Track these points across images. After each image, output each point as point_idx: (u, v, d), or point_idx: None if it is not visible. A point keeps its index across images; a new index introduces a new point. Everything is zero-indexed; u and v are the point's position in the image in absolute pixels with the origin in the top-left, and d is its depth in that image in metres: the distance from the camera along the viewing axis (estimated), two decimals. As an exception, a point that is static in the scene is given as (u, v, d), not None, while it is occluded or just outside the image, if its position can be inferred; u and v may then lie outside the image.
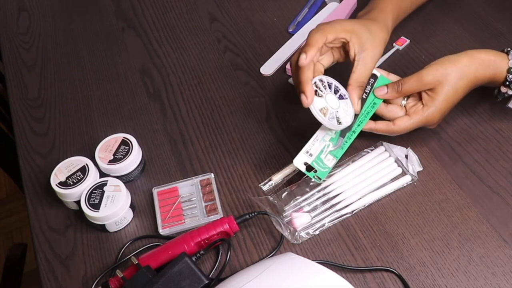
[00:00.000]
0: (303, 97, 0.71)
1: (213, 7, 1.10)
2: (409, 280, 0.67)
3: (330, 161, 0.74)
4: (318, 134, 0.74)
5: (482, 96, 0.84)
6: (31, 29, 1.12)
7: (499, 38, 0.92)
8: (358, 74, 0.75)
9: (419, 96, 0.77)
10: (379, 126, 0.77)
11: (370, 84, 0.78)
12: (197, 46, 1.02)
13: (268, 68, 0.95)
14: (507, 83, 0.75)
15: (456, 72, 0.74)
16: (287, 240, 0.72)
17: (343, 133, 0.76)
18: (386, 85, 0.77)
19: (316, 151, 0.74)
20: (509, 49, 0.76)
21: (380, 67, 0.91)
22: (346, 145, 0.76)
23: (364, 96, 0.78)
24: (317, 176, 0.73)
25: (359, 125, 0.77)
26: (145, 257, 0.71)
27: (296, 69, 0.74)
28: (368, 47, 0.75)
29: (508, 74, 0.74)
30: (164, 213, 0.77)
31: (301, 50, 0.73)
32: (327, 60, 0.78)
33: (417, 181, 0.76)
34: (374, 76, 0.79)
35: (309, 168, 0.73)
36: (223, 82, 0.95)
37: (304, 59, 0.71)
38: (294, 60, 0.75)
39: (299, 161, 0.72)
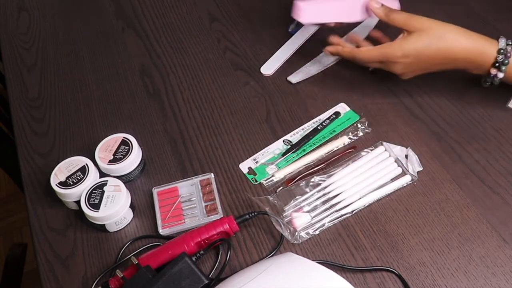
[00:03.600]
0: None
1: (213, 7, 1.10)
2: (409, 280, 0.67)
3: (272, 170, 0.80)
4: (270, 147, 0.83)
5: (482, 96, 0.84)
6: (31, 29, 1.12)
7: (499, 38, 0.92)
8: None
9: None
10: (345, 49, 0.83)
11: (330, 119, 0.84)
12: (197, 46, 1.02)
13: (268, 68, 0.95)
14: (497, 64, 0.74)
15: (440, 31, 0.76)
16: (287, 240, 0.72)
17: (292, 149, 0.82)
18: (382, 4, 0.82)
19: (262, 160, 0.82)
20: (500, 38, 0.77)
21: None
22: (292, 160, 0.81)
23: (319, 127, 0.84)
24: (254, 178, 0.80)
25: (311, 145, 0.81)
26: (145, 257, 0.71)
27: None
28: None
29: (498, 55, 0.74)
30: (164, 213, 0.77)
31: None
32: None
33: (417, 181, 0.76)
34: (337, 113, 0.85)
35: (252, 172, 0.80)
36: (223, 82, 0.95)
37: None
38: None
39: (245, 165, 0.82)
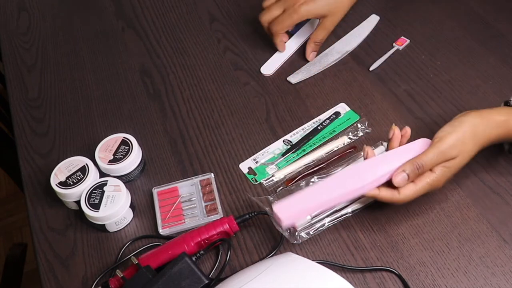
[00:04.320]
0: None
1: (213, 7, 1.10)
2: (409, 280, 0.67)
3: (272, 170, 0.80)
4: (270, 147, 0.83)
5: (482, 97, 0.84)
6: (31, 29, 1.12)
7: (499, 38, 0.92)
8: (316, 33, 0.94)
9: None
10: (383, 194, 0.69)
11: (330, 119, 0.83)
12: (197, 46, 1.02)
13: (268, 68, 0.95)
14: None
15: (473, 139, 0.69)
16: (287, 240, 0.72)
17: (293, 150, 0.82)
18: (403, 169, 0.68)
19: (262, 160, 0.81)
20: None
21: (380, 67, 0.92)
22: (292, 160, 0.80)
23: (319, 127, 0.83)
24: (254, 178, 0.79)
25: (311, 146, 0.82)
26: (145, 257, 0.71)
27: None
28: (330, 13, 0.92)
29: None
30: (164, 213, 0.77)
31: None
32: None
33: (417, 181, 0.76)
34: (337, 113, 0.85)
35: (252, 172, 0.80)
36: (223, 82, 0.95)
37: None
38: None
39: (245, 165, 0.81)
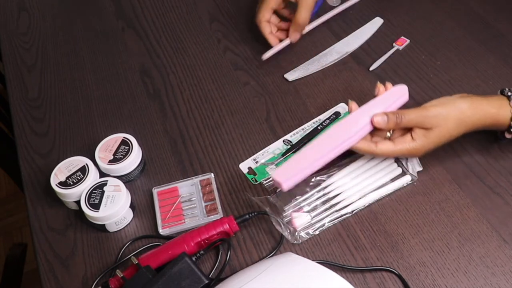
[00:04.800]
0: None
1: (213, 7, 1.10)
2: (409, 280, 0.67)
3: (272, 170, 0.80)
4: (270, 147, 0.82)
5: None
6: (31, 29, 1.12)
7: (499, 38, 0.92)
8: (298, 13, 0.91)
9: (407, 129, 0.74)
10: (360, 145, 0.73)
11: (330, 119, 0.83)
12: (197, 46, 1.02)
13: (268, 54, 0.94)
14: (511, 129, 0.73)
15: (456, 119, 0.73)
16: (287, 240, 0.72)
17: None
18: (386, 114, 0.73)
19: (262, 160, 0.81)
20: (509, 93, 0.74)
21: (380, 67, 0.92)
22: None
23: (319, 127, 0.83)
24: (254, 178, 0.79)
25: None
26: (145, 257, 0.71)
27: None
28: None
29: None
30: (164, 213, 0.77)
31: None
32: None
33: (417, 181, 0.76)
34: (337, 114, 0.84)
35: (252, 172, 0.80)
36: (223, 82, 0.95)
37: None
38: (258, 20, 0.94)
39: (245, 165, 0.81)
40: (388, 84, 0.77)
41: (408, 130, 0.74)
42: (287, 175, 0.70)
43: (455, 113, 0.73)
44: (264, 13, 0.93)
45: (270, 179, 0.79)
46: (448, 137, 0.73)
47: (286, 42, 0.95)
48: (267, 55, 0.94)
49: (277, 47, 0.95)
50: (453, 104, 0.73)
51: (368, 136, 0.75)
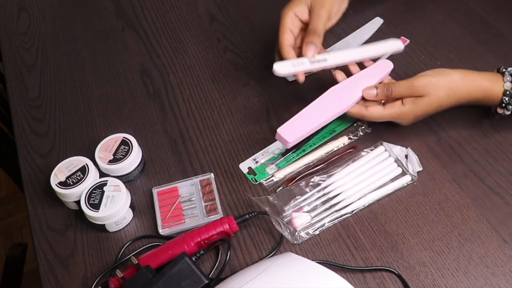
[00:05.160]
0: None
1: (213, 7, 1.10)
2: (409, 280, 0.67)
3: (272, 170, 0.80)
4: (270, 147, 0.83)
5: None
6: (31, 29, 1.12)
7: (499, 38, 0.92)
8: (309, 25, 0.84)
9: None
10: (352, 110, 0.78)
11: None
12: (197, 46, 1.02)
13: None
14: (503, 104, 0.74)
15: (447, 89, 0.74)
16: (287, 240, 0.72)
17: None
18: (375, 86, 0.78)
19: (262, 160, 0.82)
20: (503, 69, 0.75)
21: (380, 67, 0.92)
22: (292, 160, 0.81)
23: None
24: (254, 178, 0.80)
25: (311, 146, 0.82)
26: (145, 257, 0.71)
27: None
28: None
29: (504, 97, 0.74)
30: (164, 213, 0.77)
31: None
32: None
33: (417, 181, 0.76)
34: None
35: (252, 172, 0.81)
36: (223, 82, 0.95)
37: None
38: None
39: (245, 165, 0.82)
40: (367, 62, 0.83)
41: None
42: (291, 131, 0.77)
43: (446, 83, 0.74)
44: (284, 36, 0.83)
45: (270, 179, 0.79)
46: (437, 106, 0.75)
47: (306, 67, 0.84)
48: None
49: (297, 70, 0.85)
50: (445, 74, 0.75)
51: (360, 100, 0.79)
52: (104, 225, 0.76)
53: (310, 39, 0.81)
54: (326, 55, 0.82)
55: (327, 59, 0.82)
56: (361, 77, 0.81)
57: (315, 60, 0.81)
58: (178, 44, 1.04)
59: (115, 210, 0.75)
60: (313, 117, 0.78)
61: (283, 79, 0.93)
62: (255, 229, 0.75)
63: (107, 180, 0.78)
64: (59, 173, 0.79)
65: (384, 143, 0.80)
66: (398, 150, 0.79)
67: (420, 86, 0.74)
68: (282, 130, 0.77)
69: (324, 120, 0.78)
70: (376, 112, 0.77)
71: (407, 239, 0.71)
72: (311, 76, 0.93)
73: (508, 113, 0.75)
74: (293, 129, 0.77)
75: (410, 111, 0.76)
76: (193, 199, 0.79)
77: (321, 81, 0.92)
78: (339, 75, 0.81)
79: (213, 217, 0.76)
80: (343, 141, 0.82)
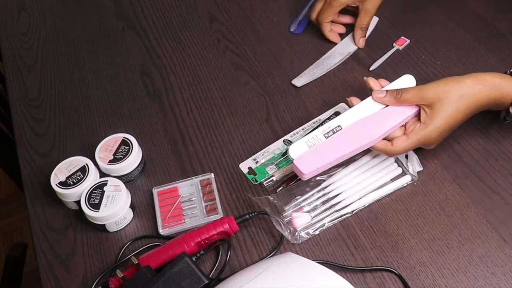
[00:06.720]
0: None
1: (213, 7, 1.10)
2: (409, 280, 0.67)
3: (272, 170, 0.79)
4: (270, 147, 0.82)
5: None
6: (31, 29, 1.12)
7: (499, 38, 0.92)
8: (360, 19, 0.94)
9: (418, 116, 0.75)
10: (377, 145, 0.74)
11: (330, 120, 0.80)
12: (197, 46, 1.02)
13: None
14: None
15: (458, 91, 0.72)
16: (287, 240, 0.72)
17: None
18: (386, 90, 0.76)
19: (262, 160, 0.81)
20: (510, 72, 0.74)
21: (380, 66, 0.92)
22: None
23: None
24: (254, 178, 0.79)
25: None
26: (145, 257, 0.71)
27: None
28: None
29: None
30: (164, 213, 0.77)
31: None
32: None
33: (417, 181, 0.76)
34: (337, 114, 0.84)
35: (252, 172, 0.80)
36: (223, 82, 0.95)
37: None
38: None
39: (245, 165, 0.81)
40: (382, 81, 0.79)
41: (418, 119, 0.75)
42: (309, 165, 0.73)
43: (456, 87, 0.73)
44: (328, 16, 0.95)
45: (270, 179, 0.79)
46: (454, 112, 0.72)
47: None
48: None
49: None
50: (455, 79, 0.74)
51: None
52: (104, 225, 0.76)
53: (360, 34, 0.96)
54: (341, 121, 0.76)
55: (341, 125, 0.76)
56: (387, 113, 0.76)
57: (328, 129, 0.75)
58: (178, 44, 1.04)
59: (115, 210, 0.75)
60: (334, 150, 0.74)
61: (283, 79, 0.93)
62: (255, 229, 0.75)
63: (107, 180, 0.78)
64: (59, 173, 0.79)
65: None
66: (398, 150, 0.79)
67: (430, 91, 0.73)
68: (298, 161, 0.73)
69: (345, 154, 0.74)
70: (401, 143, 0.73)
71: (407, 239, 0.71)
72: (315, 82, 0.93)
73: None
74: (311, 161, 0.73)
75: (430, 127, 0.72)
76: (193, 199, 0.79)
77: (321, 83, 0.92)
78: (354, 100, 0.78)
79: (213, 217, 0.76)
80: (343, 141, 0.82)
